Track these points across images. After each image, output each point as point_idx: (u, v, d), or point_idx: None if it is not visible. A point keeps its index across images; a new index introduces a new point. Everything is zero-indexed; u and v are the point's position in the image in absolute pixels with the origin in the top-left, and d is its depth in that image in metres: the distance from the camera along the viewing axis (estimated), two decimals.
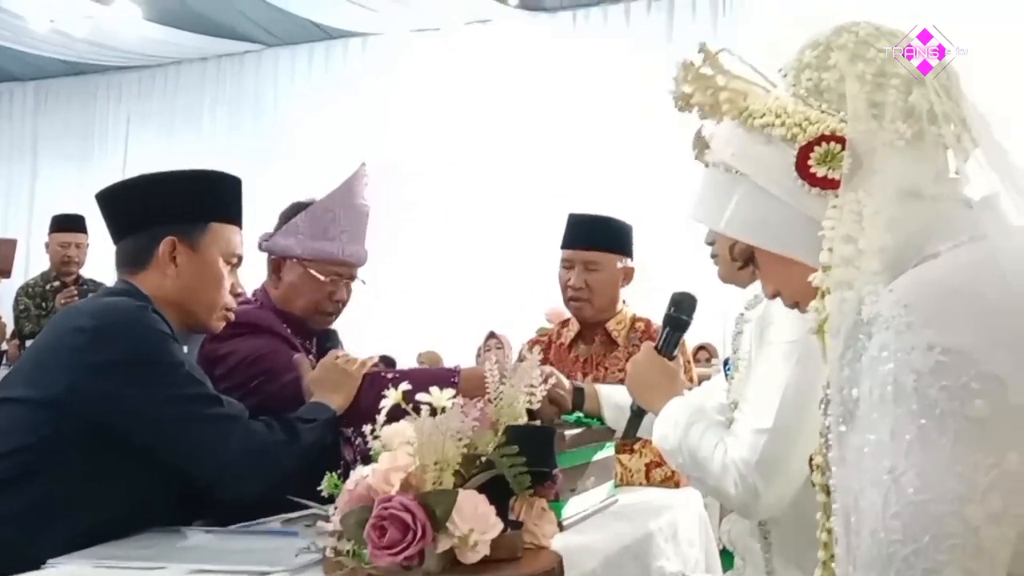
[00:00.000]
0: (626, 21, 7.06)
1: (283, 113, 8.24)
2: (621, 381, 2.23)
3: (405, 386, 1.27)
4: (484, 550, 1.16)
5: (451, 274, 6.60)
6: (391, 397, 1.29)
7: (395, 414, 1.37)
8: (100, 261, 5.27)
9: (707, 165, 1.10)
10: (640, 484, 2.34)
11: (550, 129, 6.84)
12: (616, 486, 2.05)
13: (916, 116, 0.96)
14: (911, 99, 0.96)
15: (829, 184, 0.96)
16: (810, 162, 0.97)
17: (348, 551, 1.21)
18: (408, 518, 1.13)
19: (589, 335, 2.61)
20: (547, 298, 5.26)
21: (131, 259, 1.76)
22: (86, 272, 4.99)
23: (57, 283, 4.85)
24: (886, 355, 0.83)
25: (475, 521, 1.16)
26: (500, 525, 1.19)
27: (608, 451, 1.98)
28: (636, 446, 2.35)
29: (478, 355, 5.40)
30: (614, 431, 1.96)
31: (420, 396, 1.24)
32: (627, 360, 2.51)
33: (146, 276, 1.73)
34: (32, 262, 7.28)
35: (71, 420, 1.56)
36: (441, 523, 1.14)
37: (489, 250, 6.71)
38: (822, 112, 0.98)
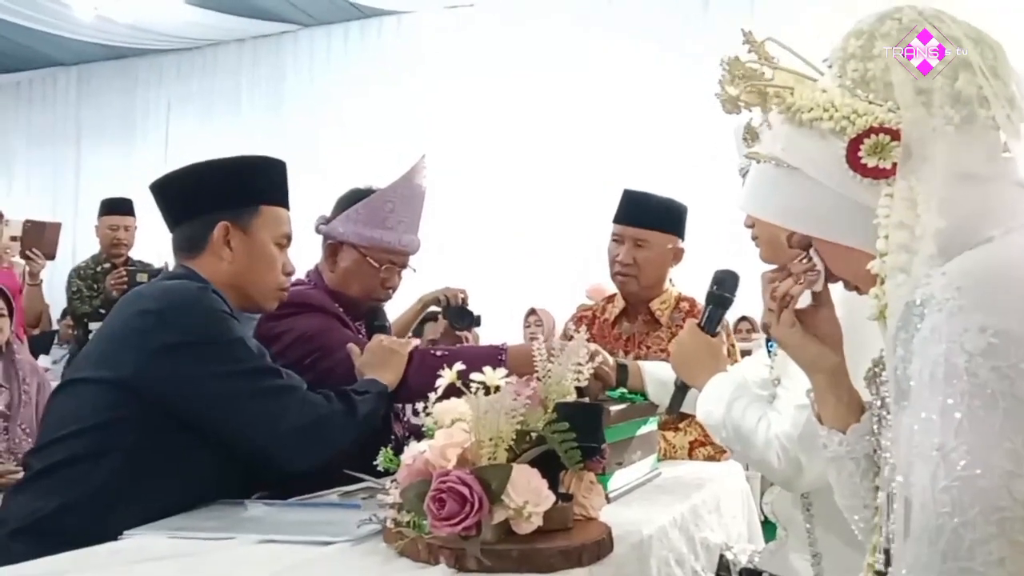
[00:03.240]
0: None
1: (320, 93, 8.30)
2: (662, 359, 2.27)
3: (460, 366, 1.32)
4: (538, 521, 1.21)
5: (492, 250, 6.63)
6: (446, 376, 1.34)
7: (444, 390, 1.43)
8: (148, 243, 5.40)
9: (758, 161, 1.12)
10: (683, 460, 2.38)
11: (588, 103, 6.81)
12: (659, 461, 2.10)
13: (964, 100, 0.98)
14: (958, 84, 0.97)
15: (880, 173, 0.98)
16: (860, 153, 0.99)
17: (408, 522, 1.27)
18: (466, 491, 1.18)
19: (633, 313, 2.64)
20: (588, 274, 5.29)
21: (187, 245, 1.82)
22: (134, 254, 5.12)
23: (107, 265, 4.97)
24: (938, 336, 0.86)
25: (529, 494, 1.21)
26: (552, 497, 1.24)
27: (651, 426, 2.02)
28: (682, 424, 2.39)
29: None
30: (657, 406, 2.01)
31: (473, 375, 1.29)
32: (669, 340, 2.55)
33: (203, 260, 1.80)
34: (79, 244, 7.43)
35: (139, 400, 1.63)
36: (497, 496, 1.20)
37: (530, 226, 6.73)
38: (869, 103, 1.00)
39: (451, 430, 1.28)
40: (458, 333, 2.60)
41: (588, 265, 5.29)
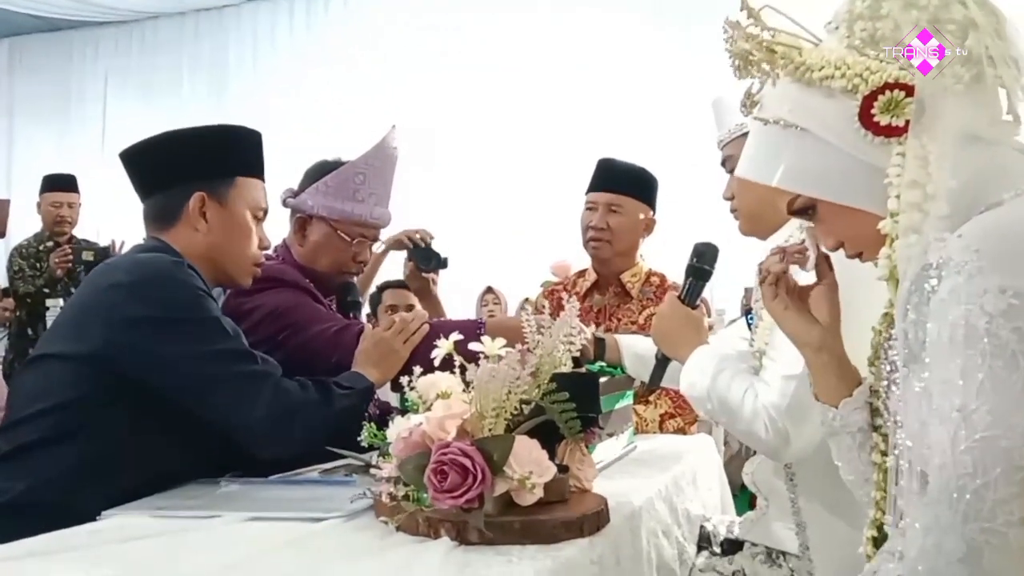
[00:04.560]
0: None
1: (263, 69, 8.12)
2: (633, 333, 2.28)
3: (456, 335, 1.30)
4: (540, 492, 1.20)
5: (449, 226, 6.56)
6: (443, 348, 1.32)
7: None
8: (89, 220, 5.24)
9: (765, 123, 1.12)
10: (654, 434, 2.40)
11: (545, 80, 6.75)
12: (634, 434, 2.11)
13: (974, 60, 0.98)
14: (967, 43, 0.98)
15: (893, 131, 0.99)
16: (873, 111, 0.99)
17: (405, 495, 1.25)
18: (468, 463, 1.16)
19: (604, 285, 2.65)
20: (550, 252, 5.27)
21: (160, 216, 1.77)
22: (78, 232, 4.96)
23: (51, 243, 4.81)
24: (957, 298, 0.87)
25: (531, 464, 1.19)
26: (553, 468, 1.23)
27: (628, 400, 2.03)
28: (652, 397, 2.41)
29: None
30: (635, 379, 2.01)
31: (473, 345, 1.27)
32: (640, 312, 2.58)
33: (176, 232, 1.75)
34: (13, 221, 7.17)
35: (109, 376, 1.57)
36: (499, 467, 1.18)
37: (489, 203, 6.68)
38: (881, 61, 1.00)
39: (449, 401, 1.25)
40: (424, 275, 2.57)
41: (548, 245, 5.29)
